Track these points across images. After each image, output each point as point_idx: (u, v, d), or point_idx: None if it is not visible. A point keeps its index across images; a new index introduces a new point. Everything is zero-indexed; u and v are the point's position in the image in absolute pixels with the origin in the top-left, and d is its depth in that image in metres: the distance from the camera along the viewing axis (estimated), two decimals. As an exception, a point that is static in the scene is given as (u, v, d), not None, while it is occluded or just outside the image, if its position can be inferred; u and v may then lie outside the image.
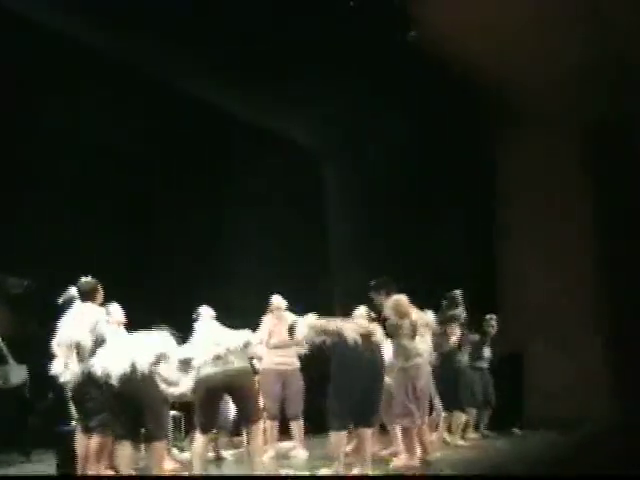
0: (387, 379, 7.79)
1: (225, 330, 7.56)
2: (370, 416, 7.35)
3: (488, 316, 11.65)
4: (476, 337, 11.52)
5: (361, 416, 7.28)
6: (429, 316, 8.97)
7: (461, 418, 10.68)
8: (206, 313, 8.26)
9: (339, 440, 7.25)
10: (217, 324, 7.84)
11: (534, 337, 13.28)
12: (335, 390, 7.13)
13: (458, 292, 10.34)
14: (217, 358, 7.17)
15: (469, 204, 13.82)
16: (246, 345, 7.37)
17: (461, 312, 10.46)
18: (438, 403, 10.40)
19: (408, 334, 8.20)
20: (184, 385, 7.48)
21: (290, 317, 9.39)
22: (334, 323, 7.29)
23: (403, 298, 8.23)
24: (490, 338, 11.65)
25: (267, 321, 9.84)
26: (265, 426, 9.75)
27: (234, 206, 13.09)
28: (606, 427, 11.32)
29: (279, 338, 9.69)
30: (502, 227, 13.87)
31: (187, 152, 12.08)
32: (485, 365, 11.64)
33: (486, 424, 11.81)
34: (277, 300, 9.88)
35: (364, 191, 12.80)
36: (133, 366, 6.77)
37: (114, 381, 6.70)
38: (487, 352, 11.64)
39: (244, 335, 7.46)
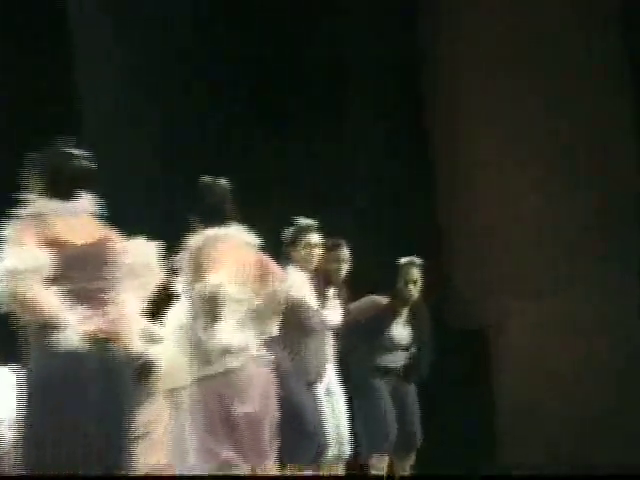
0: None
1: None
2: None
3: (404, 260, 6.88)
4: (374, 301, 6.82)
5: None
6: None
7: None
8: None
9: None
10: None
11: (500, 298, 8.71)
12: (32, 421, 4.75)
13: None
14: None
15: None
16: None
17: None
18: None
19: (208, 311, 5.21)
20: None
21: None
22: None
23: (221, 234, 5.22)
24: (410, 304, 6.84)
25: None
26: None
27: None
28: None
29: None
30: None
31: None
32: (398, 363, 6.90)
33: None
34: None
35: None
36: None
37: None
38: (402, 333, 6.87)
39: None
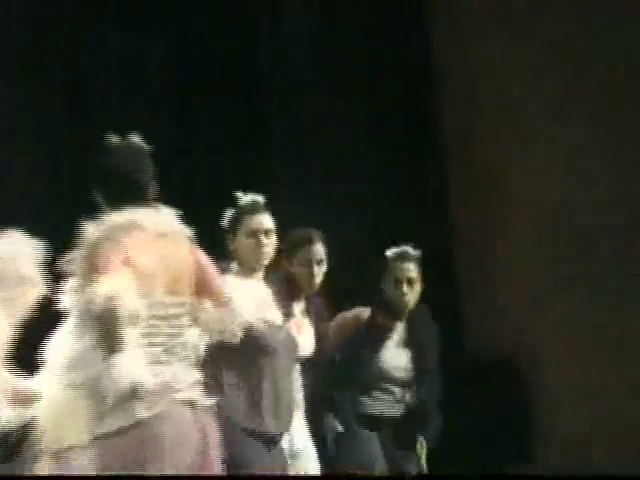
0: None
1: None
2: None
3: (394, 251, 5.12)
4: (354, 316, 5.03)
5: None
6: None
7: None
8: None
9: None
10: None
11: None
12: None
13: None
14: None
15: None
16: None
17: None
18: None
19: (102, 336, 3.59)
20: None
21: None
22: None
23: (132, 220, 3.66)
24: (406, 315, 5.04)
25: None
26: None
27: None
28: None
29: None
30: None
31: None
32: (395, 407, 5.02)
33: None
34: None
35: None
36: None
37: None
38: (398, 359, 5.04)
39: None
